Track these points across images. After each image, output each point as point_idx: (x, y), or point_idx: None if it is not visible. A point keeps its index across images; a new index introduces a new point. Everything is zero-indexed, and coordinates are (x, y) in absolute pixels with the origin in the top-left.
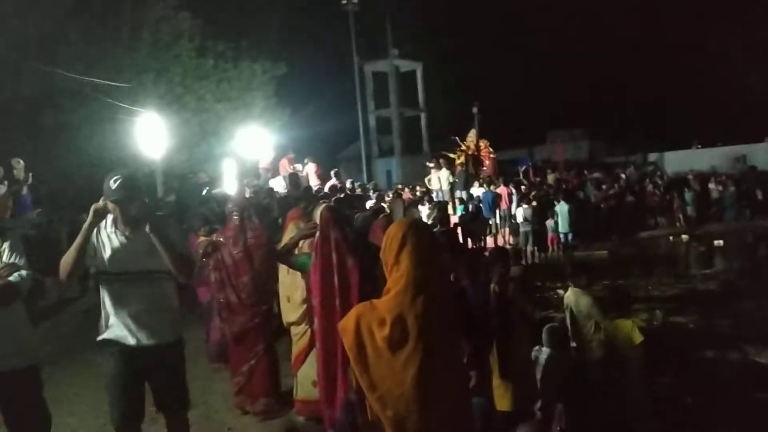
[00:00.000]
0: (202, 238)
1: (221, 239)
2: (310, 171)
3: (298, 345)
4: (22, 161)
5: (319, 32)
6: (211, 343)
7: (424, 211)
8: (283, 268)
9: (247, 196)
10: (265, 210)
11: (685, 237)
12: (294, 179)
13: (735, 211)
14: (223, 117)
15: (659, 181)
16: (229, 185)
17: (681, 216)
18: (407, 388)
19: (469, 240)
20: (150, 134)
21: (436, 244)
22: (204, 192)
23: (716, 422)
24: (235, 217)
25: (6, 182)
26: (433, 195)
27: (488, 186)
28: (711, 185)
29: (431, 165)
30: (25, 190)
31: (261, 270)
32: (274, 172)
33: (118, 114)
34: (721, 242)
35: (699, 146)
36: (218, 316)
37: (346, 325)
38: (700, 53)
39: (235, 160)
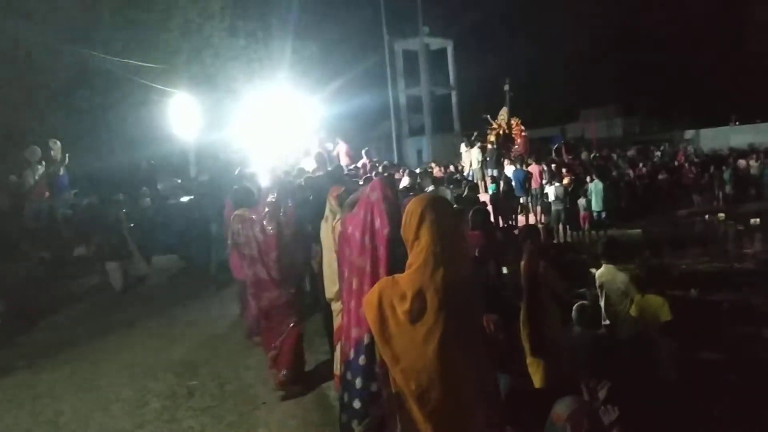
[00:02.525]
0: (238, 212)
1: (254, 216)
2: (340, 150)
3: (337, 321)
4: (59, 142)
5: (349, 10)
6: (247, 318)
7: (448, 193)
8: (329, 247)
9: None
10: (296, 189)
11: (721, 215)
12: (320, 158)
13: None
14: (254, 97)
15: (695, 159)
16: (261, 165)
17: (719, 194)
18: (429, 360)
19: (501, 219)
20: (183, 115)
21: (456, 219)
22: (237, 171)
23: (749, 400)
24: (272, 196)
25: (43, 163)
26: (465, 174)
27: (520, 164)
28: (749, 162)
29: (464, 146)
30: (62, 171)
31: (290, 248)
32: (306, 152)
33: (152, 95)
34: (758, 221)
35: (737, 123)
36: (248, 292)
37: (370, 299)
38: (737, 26)
39: (266, 140)
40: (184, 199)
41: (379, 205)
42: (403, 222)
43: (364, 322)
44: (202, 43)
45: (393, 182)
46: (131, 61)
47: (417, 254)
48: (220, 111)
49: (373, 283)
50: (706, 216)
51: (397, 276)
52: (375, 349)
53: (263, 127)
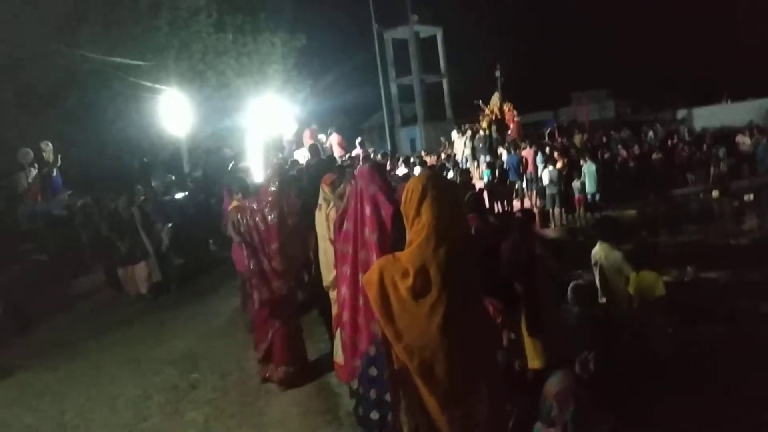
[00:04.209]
0: (235, 203)
1: (255, 206)
2: (333, 142)
3: (335, 309)
4: (50, 144)
5: (338, 1)
6: (249, 311)
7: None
8: (323, 236)
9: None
10: (293, 182)
11: (715, 193)
12: (314, 149)
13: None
14: (244, 91)
15: (687, 137)
16: (254, 159)
17: (713, 172)
18: (432, 336)
19: (497, 204)
20: (174, 112)
21: (456, 196)
22: (230, 166)
23: (744, 374)
24: (274, 186)
25: (36, 165)
26: (458, 161)
27: (513, 149)
28: (742, 139)
29: (455, 133)
30: (55, 173)
31: (291, 238)
32: (298, 143)
33: (142, 93)
34: (752, 197)
35: (729, 100)
36: (249, 283)
37: (370, 278)
38: (728, 5)
39: (258, 134)
40: (179, 195)
41: (367, 192)
42: (403, 199)
43: (365, 333)
44: (190, 38)
45: (380, 167)
46: (120, 60)
47: (418, 231)
48: (212, 106)
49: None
50: (701, 194)
51: (398, 253)
52: (383, 360)
53: (256, 120)
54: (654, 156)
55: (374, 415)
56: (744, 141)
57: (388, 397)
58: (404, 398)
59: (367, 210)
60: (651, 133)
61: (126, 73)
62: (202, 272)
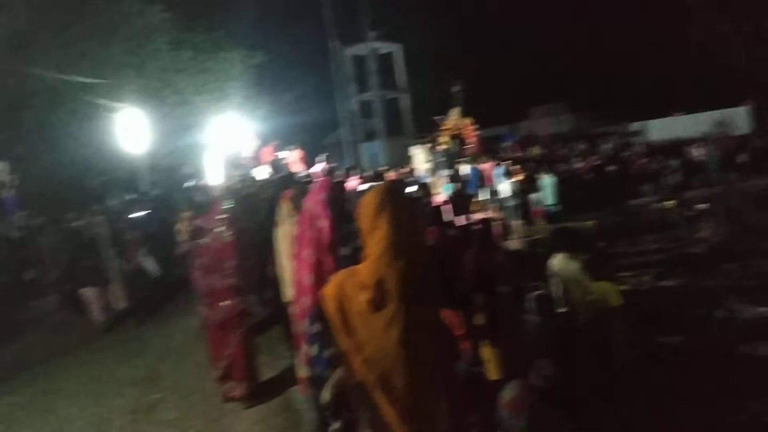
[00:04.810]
0: (185, 221)
1: (208, 223)
2: (293, 158)
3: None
4: (4, 164)
5: (296, 18)
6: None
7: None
8: (283, 252)
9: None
10: (250, 198)
11: (670, 203)
12: (274, 166)
13: (720, 174)
14: (203, 109)
15: (642, 149)
16: (213, 176)
17: (667, 182)
18: (391, 349)
19: (458, 216)
20: (131, 130)
21: (414, 208)
22: (188, 184)
23: (703, 377)
24: (228, 203)
25: None
26: (418, 175)
27: (473, 163)
28: (695, 150)
29: (415, 148)
30: (10, 193)
31: (248, 255)
32: (258, 161)
33: (98, 111)
34: (706, 206)
35: (681, 113)
36: (203, 302)
37: (327, 291)
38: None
39: (217, 151)
40: (138, 214)
41: (318, 198)
42: (359, 212)
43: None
44: (147, 56)
45: (337, 184)
46: (75, 78)
47: (375, 244)
48: (171, 124)
49: (315, 273)
50: (656, 204)
51: (355, 267)
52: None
53: (215, 138)
54: (610, 168)
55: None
56: (697, 152)
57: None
58: (364, 412)
59: (303, 229)
60: (607, 146)
61: (82, 91)
62: (163, 291)
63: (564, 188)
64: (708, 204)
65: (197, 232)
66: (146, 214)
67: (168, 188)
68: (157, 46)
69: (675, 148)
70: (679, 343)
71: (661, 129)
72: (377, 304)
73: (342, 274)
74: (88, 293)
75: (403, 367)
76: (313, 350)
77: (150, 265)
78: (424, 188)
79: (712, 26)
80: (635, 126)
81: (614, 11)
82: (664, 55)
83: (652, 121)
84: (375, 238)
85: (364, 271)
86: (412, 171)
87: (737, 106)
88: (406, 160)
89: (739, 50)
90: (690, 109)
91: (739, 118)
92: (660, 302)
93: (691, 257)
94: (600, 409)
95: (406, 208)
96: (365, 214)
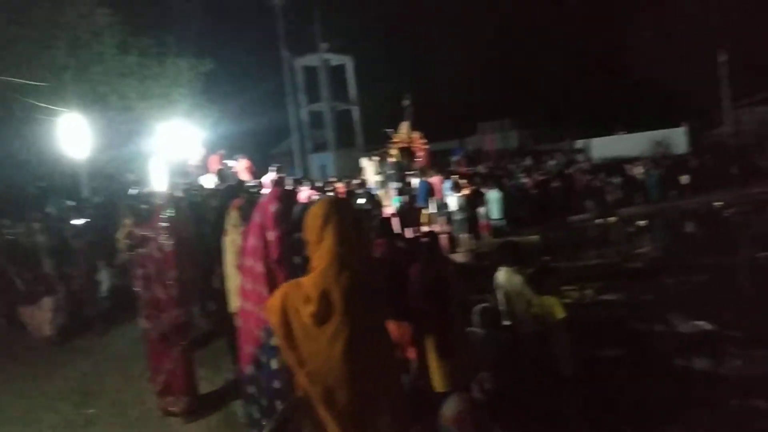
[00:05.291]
0: (125, 230)
1: (149, 232)
2: (241, 167)
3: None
4: None
5: (247, 27)
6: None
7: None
8: (230, 262)
9: (178, 194)
10: (195, 207)
11: (612, 219)
12: (222, 175)
13: (659, 192)
14: (149, 115)
15: (585, 166)
16: (158, 184)
17: (608, 199)
18: (335, 362)
19: (407, 229)
20: (73, 135)
21: (359, 221)
22: (132, 192)
23: (642, 390)
24: (168, 212)
25: None
26: (368, 188)
27: (422, 176)
28: (636, 169)
29: (365, 160)
30: None
31: (190, 265)
32: (204, 169)
33: (38, 115)
34: (645, 222)
35: (622, 132)
36: (143, 314)
37: (272, 304)
38: (621, 45)
39: (163, 159)
40: (78, 221)
41: (268, 208)
42: (306, 224)
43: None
44: (91, 59)
45: (283, 187)
46: (13, 79)
47: (321, 256)
48: (114, 129)
49: (267, 285)
50: (598, 220)
51: (300, 279)
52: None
53: (160, 145)
54: (554, 184)
55: (276, 384)
56: (637, 170)
57: (276, 384)
58: (307, 426)
59: (252, 239)
60: (552, 162)
61: (21, 93)
62: (103, 301)
63: (510, 203)
64: (647, 220)
65: (139, 241)
66: (86, 222)
67: (110, 196)
68: (103, 50)
69: (617, 165)
70: (619, 356)
71: (603, 147)
72: (322, 317)
73: (286, 286)
74: (25, 307)
75: (348, 381)
76: (274, 363)
77: (104, 276)
78: (374, 200)
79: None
80: (579, 144)
81: (560, 33)
82: (609, 77)
83: (595, 139)
84: (320, 251)
85: (309, 283)
86: (362, 183)
87: (675, 126)
88: (356, 171)
89: (676, 74)
90: (631, 128)
91: (677, 138)
92: (601, 315)
93: (631, 272)
94: (543, 422)
95: (351, 220)
96: (311, 226)
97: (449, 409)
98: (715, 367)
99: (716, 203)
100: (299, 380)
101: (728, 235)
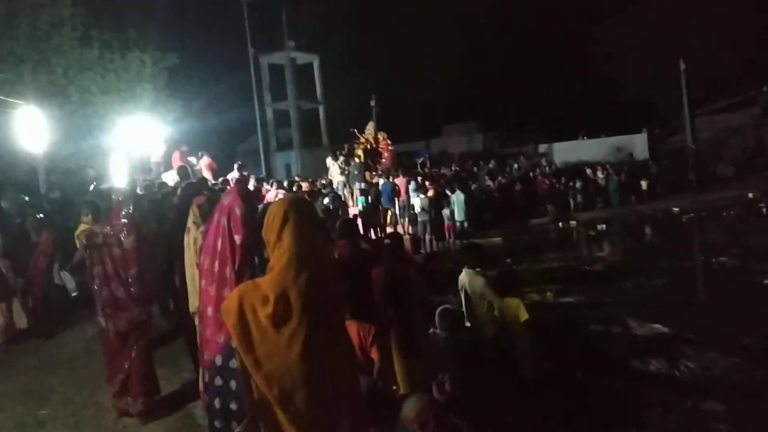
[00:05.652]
0: (83, 226)
1: (108, 229)
2: (203, 165)
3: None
4: None
5: (213, 22)
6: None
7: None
8: (191, 260)
9: (139, 191)
10: (156, 204)
11: (573, 223)
12: (183, 171)
13: (619, 197)
14: (110, 110)
15: (548, 171)
16: (119, 180)
17: (570, 203)
18: (292, 364)
19: (370, 230)
20: (30, 128)
21: (319, 222)
22: (91, 187)
23: (599, 391)
24: (129, 209)
25: None
26: (334, 187)
27: (387, 177)
28: (596, 174)
29: (330, 160)
30: None
31: (150, 263)
32: (167, 165)
33: None
34: (604, 227)
35: (585, 137)
36: (101, 313)
37: (229, 305)
38: (584, 52)
39: (124, 155)
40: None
41: (234, 210)
42: (265, 223)
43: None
44: (51, 52)
45: (246, 188)
46: None
47: (279, 256)
48: (74, 124)
49: (230, 288)
50: (560, 223)
51: (258, 279)
52: (228, 370)
53: (121, 140)
54: (517, 187)
55: (233, 406)
56: (598, 175)
57: (233, 405)
58: (264, 428)
59: (215, 241)
60: (515, 166)
61: None
62: (60, 300)
63: (474, 205)
64: (606, 225)
65: (97, 239)
66: (42, 218)
67: (68, 191)
68: (63, 42)
69: (578, 170)
70: (578, 357)
71: (565, 152)
72: (279, 318)
73: (243, 287)
74: None
75: (305, 382)
76: (233, 385)
77: (67, 279)
78: (339, 200)
79: (615, 57)
80: (542, 148)
81: (526, 38)
82: (571, 83)
83: (557, 144)
84: (279, 251)
85: (267, 284)
86: (327, 183)
87: (636, 133)
88: (321, 171)
89: (638, 81)
90: (593, 133)
91: (638, 144)
92: (561, 317)
93: (590, 275)
94: (503, 422)
95: (310, 221)
96: (270, 225)
97: (410, 408)
98: (670, 368)
99: (674, 209)
100: (256, 382)
101: (685, 240)
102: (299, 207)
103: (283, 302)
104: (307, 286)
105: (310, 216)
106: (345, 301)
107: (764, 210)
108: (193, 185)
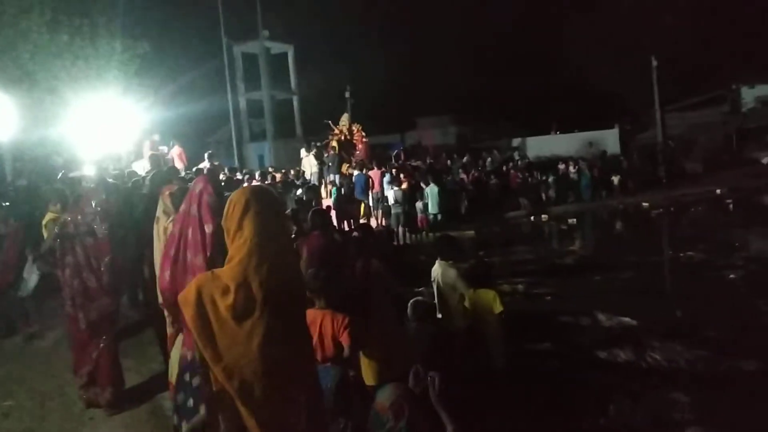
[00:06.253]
0: (51, 215)
1: (79, 217)
2: (174, 154)
3: (170, 328)
4: None
5: (186, 10)
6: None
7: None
8: (159, 248)
9: (109, 180)
10: (126, 193)
11: (545, 216)
12: (154, 160)
13: (590, 192)
14: (80, 97)
15: (521, 165)
16: (88, 168)
17: (543, 197)
18: (253, 356)
19: (343, 222)
20: None
21: (280, 211)
22: (60, 175)
23: (568, 381)
24: (101, 197)
25: None
26: (307, 179)
27: (361, 169)
28: (569, 168)
29: (304, 151)
30: None
31: (122, 252)
32: (137, 154)
33: None
34: (575, 221)
35: (557, 132)
36: (71, 303)
37: (187, 296)
38: (557, 47)
39: (93, 143)
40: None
41: (203, 198)
42: (225, 212)
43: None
44: (17, 37)
45: (216, 176)
46: None
47: (240, 246)
48: (42, 110)
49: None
50: (532, 217)
51: (216, 270)
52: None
53: (91, 128)
54: (491, 181)
55: (190, 403)
56: (570, 170)
57: (190, 403)
58: (223, 422)
59: (189, 232)
60: (489, 160)
61: None
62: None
63: (447, 198)
64: (577, 219)
65: (69, 227)
66: (7, 206)
67: (35, 179)
68: (30, 27)
69: (551, 164)
70: (549, 348)
71: (538, 146)
72: (240, 309)
73: (201, 277)
74: None
75: (264, 376)
76: (194, 382)
77: (30, 272)
78: (312, 192)
79: (588, 53)
80: (516, 142)
81: (500, 33)
82: (544, 77)
83: (530, 138)
84: (239, 241)
85: (227, 274)
86: (300, 173)
87: (608, 128)
88: (294, 162)
89: (610, 77)
90: (565, 128)
91: (609, 139)
92: (532, 310)
93: (561, 268)
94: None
95: (271, 210)
96: (230, 214)
97: (385, 397)
98: (637, 359)
99: (644, 204)
100: (215, 374)
101: (654, 234)
102: (260, 196)
103: (244, 293)
104: (268, 277)
105: (272, 205)
106: (306, 291)
107: (731, 206)
108: (162, 174)
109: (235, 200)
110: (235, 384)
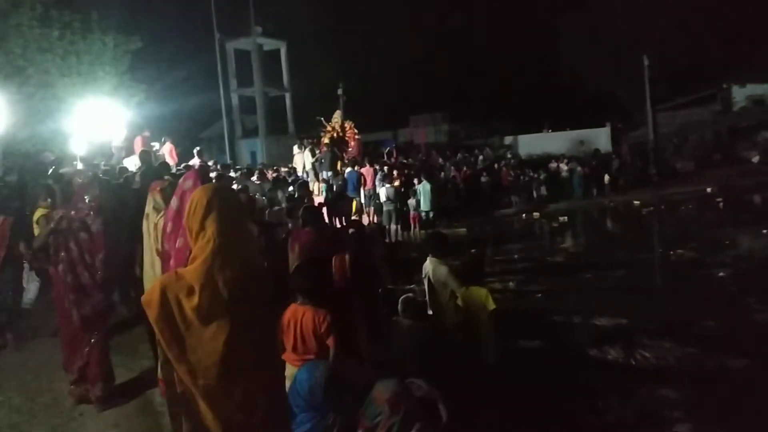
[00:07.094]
0: (42, 211)
1: (72, 213)
2: (165, 151)
3: None
4: None
5: (179, 7)
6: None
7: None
8: (150, 247)
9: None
10: (117, 189)
11: (536, 214)
12: (145, 157)
13: (582, 190)
14: (71, 92)
15: (513, 162)
16: (79, 164)
17: (534, 195)
18: (218, 356)
19: (336, 219)
20: None
21: (243, 210)
22: (50, 171)
23: (559, 379)
24: (94, 192)
25: None
26: (299, 176)
27: (353, 166)
28: (560, 166)
29: (296, 148)
30: None
31: (116, 248)
32: (128, 150)
33: None
34: (566, 218)
35: (549, 130)
36: (64, 298)
37: (150, 297)
38: (549, 46)
39: (84, 139)
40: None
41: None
42: (187, 211)
43: None
44: (8, 31)
45: (207, 172)
46: None
47: (203, 246)
48: (32, 106)
49: None
50: (523, 215)
51: (180, 270)
52: None
53: (82, 124)
54: (483, 178)
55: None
56: (561, 168)
57: None
58: (186, 422)
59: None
60: (481, 157)
61: None
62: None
63: (439, 195)
64: (568, 217)
65: (62, 223)
66: None
67: (26, 175)
68: (21, 21)
69: (543, 162)
70: (540, 346)
71: (530, 144)
72: (205, 310)
73: (165, 278)
74: None
75: (230, 375)
76: None
77: (30, 288)
78: (304, 188)
79: (580, 52)
80: (508, 140)
81: (493, 31)
82: (536, 75)
83: (522, 136)
84: (202, 241)
85: (191, 275)
86: (293, 170)
87: (599, 126)
88: (287, 159)
89: (602, 75)
90: (557, 126)
91: (601, 138)
92: (523, 307)
93: (552, 265)
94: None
95: (235, 209)
96: (192, 214)
97: (383, 390)
98: (627, 357)
99: (635, 202)
100: (179, 375)
101: (644, 233)
102: (223, 195)
103: (209, 293)
104: (233, 277)
105: (235, 204)
106: (270, 289)
107: (721, 204)
108: (152, 170)
109: (196, 200)
110: (200, 383)
